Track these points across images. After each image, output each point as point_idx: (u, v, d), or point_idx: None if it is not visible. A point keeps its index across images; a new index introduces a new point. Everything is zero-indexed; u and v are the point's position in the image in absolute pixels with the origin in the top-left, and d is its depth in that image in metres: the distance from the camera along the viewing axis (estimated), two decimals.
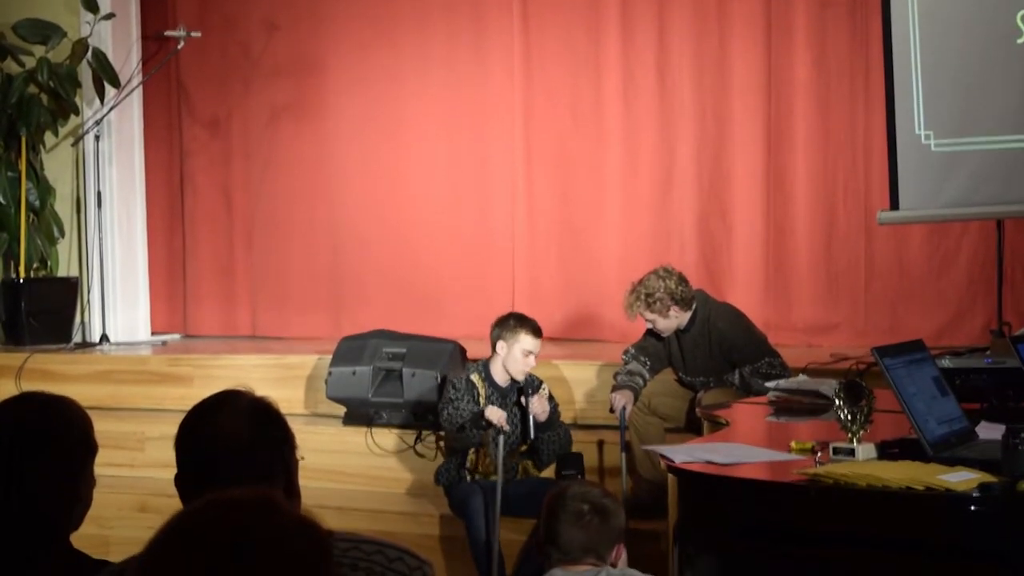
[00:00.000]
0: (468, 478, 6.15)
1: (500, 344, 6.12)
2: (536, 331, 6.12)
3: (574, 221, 8.49)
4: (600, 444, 6.59)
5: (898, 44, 6.70)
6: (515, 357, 6.08)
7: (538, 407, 6.03)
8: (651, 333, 6.45)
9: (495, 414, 5.91)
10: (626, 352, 6.51)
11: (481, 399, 6.14)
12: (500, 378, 6.16)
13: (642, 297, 6.25)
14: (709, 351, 6.29)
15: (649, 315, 6.28)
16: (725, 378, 6.24)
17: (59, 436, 2.73)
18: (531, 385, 6.18)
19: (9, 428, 2.71)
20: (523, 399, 6.09)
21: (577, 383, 7.07)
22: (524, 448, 6.19)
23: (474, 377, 6.17)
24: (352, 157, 9.02)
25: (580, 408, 7.01)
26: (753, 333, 6.34)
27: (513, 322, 6.14)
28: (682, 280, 6.29)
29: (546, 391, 6.19)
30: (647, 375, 6.40)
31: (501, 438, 5.87)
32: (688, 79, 8.16)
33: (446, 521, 6.37)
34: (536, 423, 6.03)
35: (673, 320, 6.29)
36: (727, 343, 6.24)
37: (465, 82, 8.74)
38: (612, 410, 6.26)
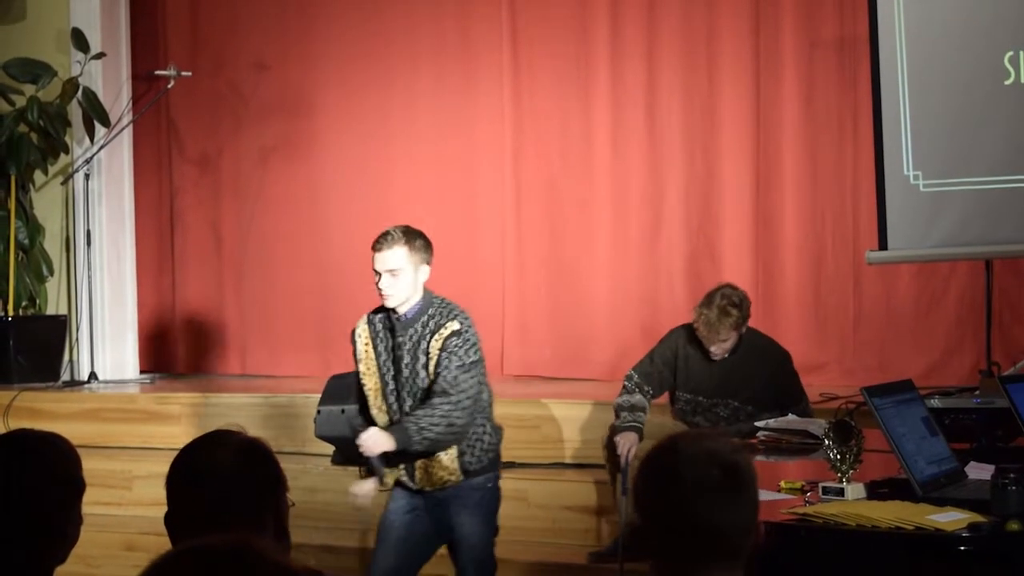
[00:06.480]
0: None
1: None
2: (376, 243, 5.05)
3: (563, 261, 8.49)
4: (594, 483, 6.52)
5: (886, 85, 6.73)
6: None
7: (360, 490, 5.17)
8: (658, 358, 6.03)
9: (362, 488, 5.18)
10: (629, 378, 6.03)
11: (362, 351, 5.30)
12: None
13: (732, 313, 5.79)
14: (753, 379, 5.93)
15: (732, 333, 5.83)
16: (718, 412, 6.06)
17: (47, 474, 2.72)
18: (428, 327, 5.03)
19: None
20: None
21: (567, 422, 7.04)
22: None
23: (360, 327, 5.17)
24: (341, 196, 9.03)
25: (570, 447, 6.99)
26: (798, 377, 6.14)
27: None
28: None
29: (445, 332, 5.04)
30: (648, 407, 5.96)
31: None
32: (677, 119, 8.19)
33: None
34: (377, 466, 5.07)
35: (737, 338, 5.92)
36: (781, 381, 5.96)
37: (455, 121, 8.76)
38: (618, 453, 5.77)
